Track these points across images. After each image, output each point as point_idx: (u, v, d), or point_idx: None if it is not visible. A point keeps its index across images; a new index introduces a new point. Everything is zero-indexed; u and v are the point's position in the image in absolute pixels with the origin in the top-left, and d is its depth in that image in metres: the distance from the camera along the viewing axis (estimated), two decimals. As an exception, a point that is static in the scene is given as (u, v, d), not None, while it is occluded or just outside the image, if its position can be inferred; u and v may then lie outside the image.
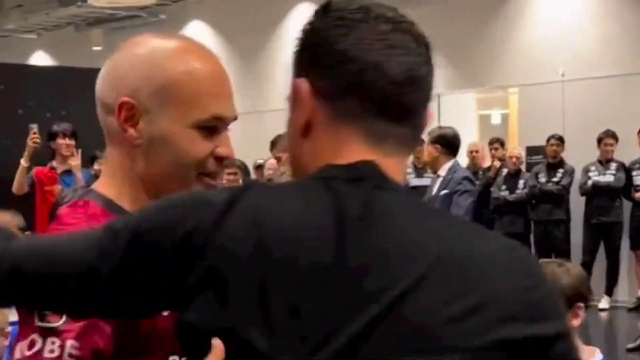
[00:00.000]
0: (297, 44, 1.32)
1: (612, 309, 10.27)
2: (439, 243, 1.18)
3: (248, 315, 1.14)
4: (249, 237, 1.16)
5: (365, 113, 1.25)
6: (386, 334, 1.12)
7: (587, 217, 10.31)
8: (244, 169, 9.59)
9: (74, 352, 1.42)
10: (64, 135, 7.86)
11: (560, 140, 10.55)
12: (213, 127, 1.59)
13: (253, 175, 10.59)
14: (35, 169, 7.83)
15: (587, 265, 10.14)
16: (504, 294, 1.14)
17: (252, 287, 1.15)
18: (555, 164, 10.50)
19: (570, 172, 10.42)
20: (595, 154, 10.30)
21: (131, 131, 1.57)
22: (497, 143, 11.04)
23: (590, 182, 10.22)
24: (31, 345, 1.43)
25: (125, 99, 1.56)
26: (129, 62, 1.59)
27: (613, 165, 10.21)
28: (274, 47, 14.28)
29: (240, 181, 9.58)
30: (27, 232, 4.30)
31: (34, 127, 7.70)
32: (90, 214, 1.55)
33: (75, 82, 9.42)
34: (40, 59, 17.67)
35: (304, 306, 1.14)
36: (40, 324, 1.43)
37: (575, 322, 2.73)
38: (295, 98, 1.29)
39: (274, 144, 7.59)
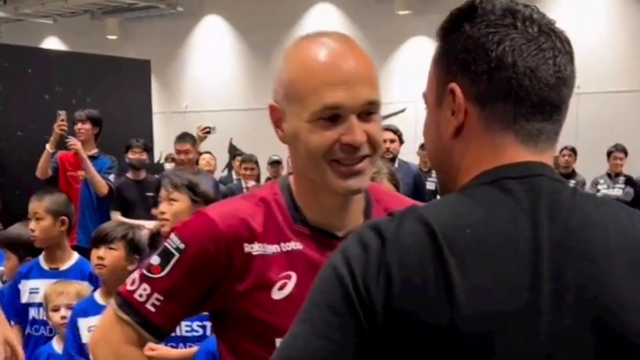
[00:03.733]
0: (445, 48, 1.36)
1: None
2: (618, 228, 1.27)
3: None
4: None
5: (519, 115, 1.30)
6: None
7: None
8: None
9: (156, 302, 1.71)
10: (79, 121, 7.91)
11: (573, 151, 10.61)
12: (334, 116, 1.64)
13: (266, 172, 10.66)
14: (59, 153, 7.80)
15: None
16: None
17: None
18: (567, 175, 10.56)
19: (582, 184, 10.50)
20: (605, 166, 10.39)
21: (279, 132, 1.71)
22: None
23: (599, 195, 10.29)
24: (132, 283, 1.75)
25: (271, 102, 1.71)
26: (276, 67, 1.72)
27: (621, 179, 10.26)
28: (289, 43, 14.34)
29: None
30: (63, 217, 4.40)
31: (62, 114, 7.63)
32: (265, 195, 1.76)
33: (99, 69, 9.50)
34: (53, 44, 17.67)
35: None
36: (144, 271, 1.74)
37: None
38: (443, 100, 1.34)
39: None
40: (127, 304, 1.74)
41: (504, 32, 1.30)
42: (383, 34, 13.58)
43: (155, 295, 1.71)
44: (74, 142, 7.56)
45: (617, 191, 10.20)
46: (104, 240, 3.81)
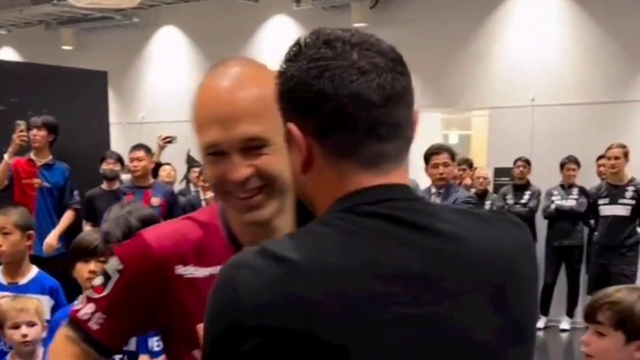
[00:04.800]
0: (278, 90, 1.39)
1: (572, 329, 10.41)
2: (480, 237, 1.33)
3: None
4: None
5: (355, 143, 1.31)
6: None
7: (549, 239, 10.44)
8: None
9: (100, 320, 1.80)
10: (35, 127, 7.85)
11: (527, 162, 10.73)
12: (218, 152, 1.67)
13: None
14: (13, 159, 7.75)
15: (549, 286, 10.32)
16: None
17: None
18: (522, 186, 10.68)
19: (537, 195, 10.59)
20: (559, 178, 10.51)
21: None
22: (465, 164, 11.06)
23: (553, 206, 10.39)
24: (80, 303, 1.86)
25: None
26: None
27: (575, 190, 10.35)
28: (246, 55, 14.29)
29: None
30: (31, 231, 4.38)
31: (22, 124, 7.59)
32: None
33: (55, 80, 9.42)
34: (7, 55, 17.49)
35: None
36: (87, 293, 1.86)
37: None
38: (289, 139, 1.36)
39: None
40: (74, 322, 1.85)
41: (323, 65, 1.31)
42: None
43: (98, 314, 1.81)
44: (25, 137, 7.60)
45: (571, 202, 10.31)
46: (92, 253, 3.73)
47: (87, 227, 7.35)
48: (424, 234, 1.29)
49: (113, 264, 1.80)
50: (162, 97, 15.01)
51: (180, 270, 1.74)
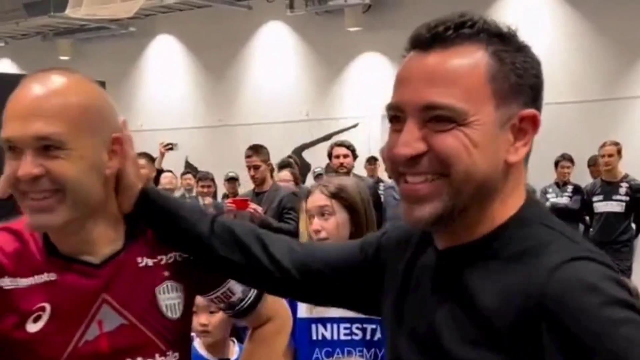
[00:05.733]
0: (510, 67, 1.33)
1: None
2: None
3: None
4: None
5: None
6: None
7: None
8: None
9: None
10: None
11: (523, 161, 10.82)
12: (13, 149, 1.62)
13: (223, 189, 10.74)
14: None
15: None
16: None
17: None
18: (517, 184, 10.76)
19: (532, 193, 10.67)
20: (553, 176, 10.63)
21: None
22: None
23: (548, 204, 10.44)
24: None
25: None
26: None
27: (570, 188, 10.37)
28: (241, 61, 14.42)
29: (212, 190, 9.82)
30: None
31: None
32: None
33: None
34: (5, 66, 17.63)
35: None
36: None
37: None
38: (506, 122, 1.32)
39: (256, 151, 7.45)
40: None
41: (536, 59, 1.37)
42: (334, 50, 13.75)
43: None
44: None
45: (565, 199, 10.36)
46: None
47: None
48: None
49: None
50: (160, 105, 15.14)
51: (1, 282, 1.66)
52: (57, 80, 1.65)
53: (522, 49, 1.36)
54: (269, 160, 7.44)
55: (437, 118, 1.30)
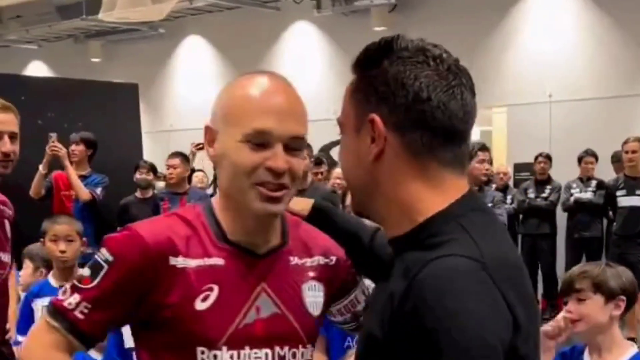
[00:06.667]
0: (363, 81, 1.50)
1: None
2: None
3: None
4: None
5: (434, 144, 1.44)
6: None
7: (569, 232, 10.58)
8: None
9: (85, 310, 1.80)
10: (73, 142, 8.26)
11: (548, 158, 10.87)
12: (262, 142, 1.75)
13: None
14: (54, 173, 8.15)
15: (571, 277, 10.45)
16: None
17: None
18: (543, 181, 10.80)
19: (558, 189, 10.66)
20: (577, 171, 10.64)
21: (210, 150, 1.85)
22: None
23: (572, 199, 10.52)
24: (64, 293, 1.85)
25: (207, 123, 1.86)
26: (218, 94, 1.89)
27: (593, 183, 10.43)
28: (269, 61, 14.49)
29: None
30: (84, 238, 4.75)
31: (53, 136, 7.95)
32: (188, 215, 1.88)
33: (89, 94, 9.77)
34: (38, 69, 17.90)
35: None
36: (75, 282, 1.84)
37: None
38: (361, 128, 1.48)
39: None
40: (57, 311, 1.82)
41: (419, 69, 1.44)
42: (360, 49, 13.85)
43: (84, 303, 1.79)
44: (56, 147, 7.90)
45: (589, 194, 10.42)
46: None
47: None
48: (505, 230, 1.54)
49: (104, 254, 1.80)
50: (189, 105, 15.33)
51: (174, 261, 1.78)
52: (286, 83, 1.83)
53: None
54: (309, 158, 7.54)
55: None
